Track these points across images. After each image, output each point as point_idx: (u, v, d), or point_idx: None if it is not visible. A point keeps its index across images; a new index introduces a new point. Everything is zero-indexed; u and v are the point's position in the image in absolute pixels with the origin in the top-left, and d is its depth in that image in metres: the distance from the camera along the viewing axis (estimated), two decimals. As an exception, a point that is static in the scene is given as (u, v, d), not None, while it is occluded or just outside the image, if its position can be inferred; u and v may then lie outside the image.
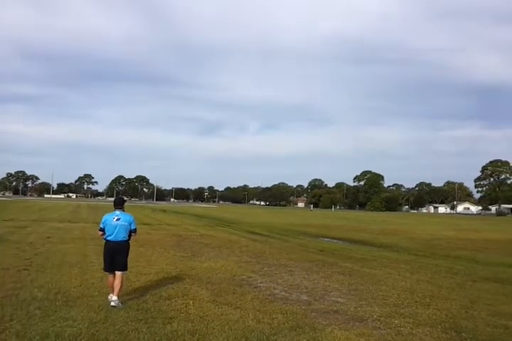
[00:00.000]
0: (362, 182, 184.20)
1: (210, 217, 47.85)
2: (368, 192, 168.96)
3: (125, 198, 9.62)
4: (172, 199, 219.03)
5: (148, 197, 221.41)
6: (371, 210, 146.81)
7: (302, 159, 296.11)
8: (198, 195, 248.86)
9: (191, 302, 7.84)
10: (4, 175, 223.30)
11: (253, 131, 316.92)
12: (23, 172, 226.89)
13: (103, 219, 8.13)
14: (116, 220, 7.98)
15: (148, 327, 6.25)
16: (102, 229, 8.08)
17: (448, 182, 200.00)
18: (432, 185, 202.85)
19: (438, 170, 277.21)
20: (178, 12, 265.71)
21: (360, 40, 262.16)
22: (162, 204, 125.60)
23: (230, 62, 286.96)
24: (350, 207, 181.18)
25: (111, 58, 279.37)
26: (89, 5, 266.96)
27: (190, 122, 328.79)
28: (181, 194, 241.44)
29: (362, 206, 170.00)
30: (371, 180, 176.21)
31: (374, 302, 8.50)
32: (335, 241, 24.88)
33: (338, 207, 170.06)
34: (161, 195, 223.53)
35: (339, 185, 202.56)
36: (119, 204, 8.28)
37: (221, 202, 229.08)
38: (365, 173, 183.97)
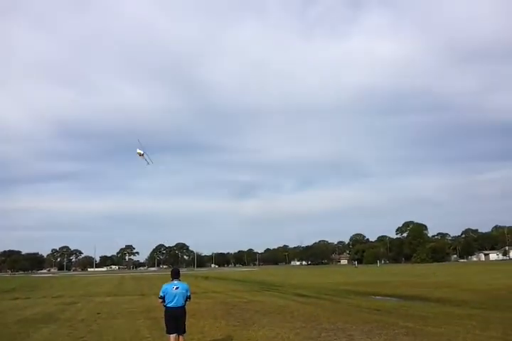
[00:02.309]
0: (405, 234, 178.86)
1: (254, 281, 46.83)
2: (413, 244, 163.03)
3: (179, 269, 10.33)
4: (213, 265, 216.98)
5: (189, 264, 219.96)
6: (418, 262, 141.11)
7: (341, 214, 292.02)
8: (238, 258, 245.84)
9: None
10: (49, 252, 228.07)
11: (288, 189, 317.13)
12: (67, 248, 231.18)
13: (163, 289, 9.12)
14: (176, 289, 9.06)
15: None
16: (162, 297, 9.07)
17: (496, 227, 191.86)
18: (479, 231, 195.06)
19: (483, 214, 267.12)
20: (206, 81, 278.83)
21: (385, 90, 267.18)
22: (203, 270, 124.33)
23: (259, 125, 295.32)
24: (395, 260, 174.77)
25: (143, 130, 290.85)
26: (123, 82, 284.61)
27: (226, 186, 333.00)
28: (222, 259, 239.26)
29: (407, 258, 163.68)
30: (414, 230, 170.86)
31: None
32: (388, 298, 23.74)
33: (382, 261, 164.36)
34: (202, 261, 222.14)
35: (381, 239, 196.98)
36: (176, 275, 9.36)
37: (262, 264, 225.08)
38: (407, 224, 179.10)
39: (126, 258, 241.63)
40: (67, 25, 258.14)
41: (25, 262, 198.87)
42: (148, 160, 26.35)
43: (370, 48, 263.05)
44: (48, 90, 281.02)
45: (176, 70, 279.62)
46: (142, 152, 26.15)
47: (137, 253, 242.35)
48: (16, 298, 28.03)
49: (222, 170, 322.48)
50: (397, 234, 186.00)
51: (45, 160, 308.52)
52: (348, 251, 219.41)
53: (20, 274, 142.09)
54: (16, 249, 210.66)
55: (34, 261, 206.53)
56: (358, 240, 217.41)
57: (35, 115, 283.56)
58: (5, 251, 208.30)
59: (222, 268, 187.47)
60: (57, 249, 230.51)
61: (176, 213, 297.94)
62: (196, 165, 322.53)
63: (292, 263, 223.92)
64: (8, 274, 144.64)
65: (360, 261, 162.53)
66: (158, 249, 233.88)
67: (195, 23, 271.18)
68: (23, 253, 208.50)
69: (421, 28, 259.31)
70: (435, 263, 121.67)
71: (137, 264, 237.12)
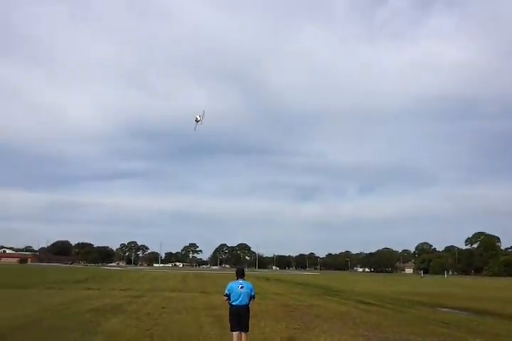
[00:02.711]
0: (475, 245, 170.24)
1: (315, 285, 46.41)
2: (484, 256, 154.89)
3: (244, 269, 10.62)
4: (274, 267, 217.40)
5: (250, 264, 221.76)
6: (489, 276, 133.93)
7: (406, 222, 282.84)
8: (299, 261, 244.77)
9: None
10: (118, 246, 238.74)
11: (352, 194, 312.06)
12: (135, 243, 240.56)
13: (228, 287, 9.39)
14: (241, 288, 9.33)
15: None
16: (227, 295, 9.33)
17: None
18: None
19: None
20: (271, 83, 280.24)
21: (453, 95, 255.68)
22: (264, 272, 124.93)
23: (323, 128, 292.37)
24: (465, 272, 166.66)
25: (209, 132, 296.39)
26: (189, 85, 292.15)
27: (288, 188, 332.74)
28: (282, 261, 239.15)
29: (478, 271, 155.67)
30: (485, 242, 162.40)
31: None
32: (456, 311, 22.69)
33: (450, 272, 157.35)
34: (263, 262, 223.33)
35: (449, 249, 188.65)
36: (241, 274, 9.64)
37: (323, 268, 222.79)
38: (477, 235, 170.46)
39: (190, 255, 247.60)
40: (136, 30, 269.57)
41: (96, 254, 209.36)
42: (197, 128, 27.29)
43: (437, 52, 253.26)
44: (120, 91, 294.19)
45: (241, 73, 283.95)
46: (199, 118, 27.08)
47: (200, 251, 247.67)
48: (88, 289, 29.55)
49: (285, 173, 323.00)
50: (466, 244, 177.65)
51: (118, 158, 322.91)
52: (413, 260, 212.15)
53: (92, 266, 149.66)
54: (88, 241, 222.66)
55: (104, 254, 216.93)
56: (424, 249, 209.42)
57: (109, 115, 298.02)
58: (79, 243, 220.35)
59: (283, 270, 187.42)
60: (126, 243, 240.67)
61: (239, 214, 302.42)
62: (259, 167, 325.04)
63: (355, 269, 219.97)
64: (81, 265, 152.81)
65: (426, 271, 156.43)
66: (221, 248, 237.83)
67: (261, 25, 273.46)
68: (94, 246, 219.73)
69: (491, 28, 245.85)
70: (509, 278, 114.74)
71: (200, 262, 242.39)
